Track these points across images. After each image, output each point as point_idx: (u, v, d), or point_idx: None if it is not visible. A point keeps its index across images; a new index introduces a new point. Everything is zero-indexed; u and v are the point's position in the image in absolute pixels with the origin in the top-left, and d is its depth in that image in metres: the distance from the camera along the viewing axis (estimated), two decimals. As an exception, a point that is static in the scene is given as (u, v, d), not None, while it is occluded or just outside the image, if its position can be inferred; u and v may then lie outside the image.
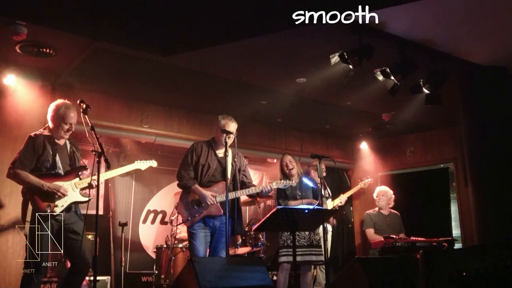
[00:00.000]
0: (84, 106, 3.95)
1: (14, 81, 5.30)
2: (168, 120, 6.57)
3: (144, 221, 7.16)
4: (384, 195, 6.56)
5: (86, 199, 4.01)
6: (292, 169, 5.27)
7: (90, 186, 4.06)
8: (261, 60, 5.18)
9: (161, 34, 4.78)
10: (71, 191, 4.02)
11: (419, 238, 5.71)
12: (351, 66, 4.44)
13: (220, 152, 4.65)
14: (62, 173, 4.05)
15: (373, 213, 6.52)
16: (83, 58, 4.98)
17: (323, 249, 5.00)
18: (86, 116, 3.98)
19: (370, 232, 6.36)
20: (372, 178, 7.39)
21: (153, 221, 7.23)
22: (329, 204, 5.71)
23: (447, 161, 7.63)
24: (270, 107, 6.67)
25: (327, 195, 5.66)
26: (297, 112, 6.93)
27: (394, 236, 5.72)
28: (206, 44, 4.73)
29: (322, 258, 5.06)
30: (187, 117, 6.62)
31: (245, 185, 4.65)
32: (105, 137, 5.93)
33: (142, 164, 4.53)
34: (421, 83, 5.02)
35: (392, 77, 4.71)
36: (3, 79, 5.23)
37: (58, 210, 3.91)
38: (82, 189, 4.07)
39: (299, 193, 5.25)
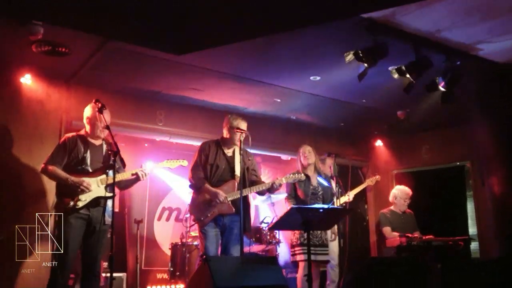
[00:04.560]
0: (99, 105, 4.03)
1: (30, 80, 5.36)
2: (183, 118, 6.58)
3: (159, 218, 7.20)
4: (399, 194, 6.49)
5: (111, 194, 4.08)
6: (309, 159, 5.33)
7: (137, 178, 4.31)
8: (275, 58, 5.17)
9: (175, 32, 4.79)
10: (96, 186, 4.14)
11: (435, 237, 5.66)
12: (365, 65, 4.41)
13: (229, 152, 4.71)
14: (90, 170, 4.21)
15: (388, 212, 6.47)
16: (98, 57, 5.01)
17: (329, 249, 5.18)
18: (101, 115, 4.07)
19: (387, 230, 6.29)
20: (387, 176, 7.32)
21: (168, 218, 7.27)
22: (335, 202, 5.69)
23: (463, 159, 7.54)
24: (284, 105, 6.66)
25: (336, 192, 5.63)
26: (311, 110, 6.91)
27: (410, 235, 5.68)
28: (220, 43, 4.73)
29: (328, 257, 5.21)
30: (202, 115, 6.63)
31: (255, 183, 4.66)
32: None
33: (172, 163, 4.62)
34: (437, 81, 4.97)
35: (408, 75, 4.67)
36: (20, 78, 5.30)
37: (80, 204, 4.07)
38: (107, 184, 4.13)
39: (319, 191, 5.24)
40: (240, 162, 4.61)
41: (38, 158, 5.18)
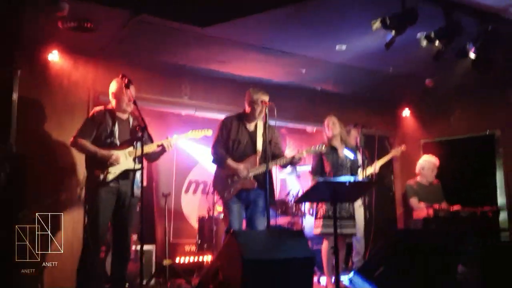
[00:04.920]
0: (126, 80, 4.05)
1: (58, 56, 5.42)
2: (208, 91, 6.59)
3: (186, 191, 7.31)
4: (427, 165, 6.41)
5: (139, 166, 4.15)
6: (334, 130, 5.26)
7: (163, 149, 4.36)
8: (299, 28, 5.08)
9: (199, 4, 4.74)
10: (124, 159, 4.20)
11: (462, 207, 5.60)
12: (393, 32, 4.29)
13: (251, 126, 4.72)
14: (118, 143, 4.27)
15: (414, 183, 6.40)
16: (124, 32, 5.02)
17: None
18: (128, 90, 4.10)
19: (414, 201, 6.23)
20: (415, 145, 7.23)
21: (195, 191, 7.37)
22: (360, 174, 5.66)
23: (493, 127, 7.37)
24: (309, 75, 6.58)
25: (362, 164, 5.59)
26: (336, 79, 6.82)
27: (437, 206, 5.63)
28: (243, 14, 4.66)
29: (355, 230, 5.20)
30: (226, 88, 6.62)
31: (277, 157, 4.66)
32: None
33: (197, 133, 4.65)
34: (468, 47, 4.81)
35: (437, 42, 4.53)
36: (48, 55, 5.36)
37: (110, 177, 4.15)
38: (135, 157, 4.20)
39: (348, 163, 5.23)
40: (263, 135, 4.61)
41: (69, 132, 5.22)
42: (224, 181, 4.58)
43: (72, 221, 5.19)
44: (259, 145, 4.62)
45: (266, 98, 4.62)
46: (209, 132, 4.72)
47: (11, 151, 4.44)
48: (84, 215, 4.97)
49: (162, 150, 4.42)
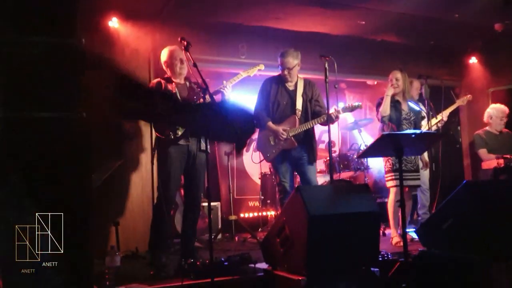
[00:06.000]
0: (185, 43, 4.08)
1: (117, 23, 5.53)
2: (264, 49, 6.52)
3: (247, 149, 7.41)
4: (495, 113, 6.13)
5: None
6: (396, 88, 5.09)
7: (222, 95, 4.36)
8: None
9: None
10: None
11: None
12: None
13: (291, 85, 4.74)
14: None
15: (483, 133, 6.15)
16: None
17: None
18: (187, 53, 4.14)
19: (483, 152, 6.00)
20: (483, 94, 6.89)
21: (255, 149, 7.45)
22: (425, 125, 5.48)
23: None
24: (368, 27, 6.37)
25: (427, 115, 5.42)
26: (398, 30, 6.56)
27: (509, 156, 5.39)
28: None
29: (420, 182, 5.17)
30: (284, 45, 6.48)
31: (318, 114, 4.66)
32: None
33: (250, 71, 4.64)
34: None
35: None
36: (108, 22, 5.48)
37: (180, 132, 4.23)
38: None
39: (412, 117, 5.10)
40: (303, 95, 4.67)
41: (132, 97, 5.45)
42: (266, 143, 4.70)
43: (141, 182, 5.43)
44: (299, 105, 4.67)
45: (288, 60, 4.62)
46: (262, 67, 4.76)
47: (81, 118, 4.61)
48: (152, 175, 5.19)
49: (222, 97, 4.42)
